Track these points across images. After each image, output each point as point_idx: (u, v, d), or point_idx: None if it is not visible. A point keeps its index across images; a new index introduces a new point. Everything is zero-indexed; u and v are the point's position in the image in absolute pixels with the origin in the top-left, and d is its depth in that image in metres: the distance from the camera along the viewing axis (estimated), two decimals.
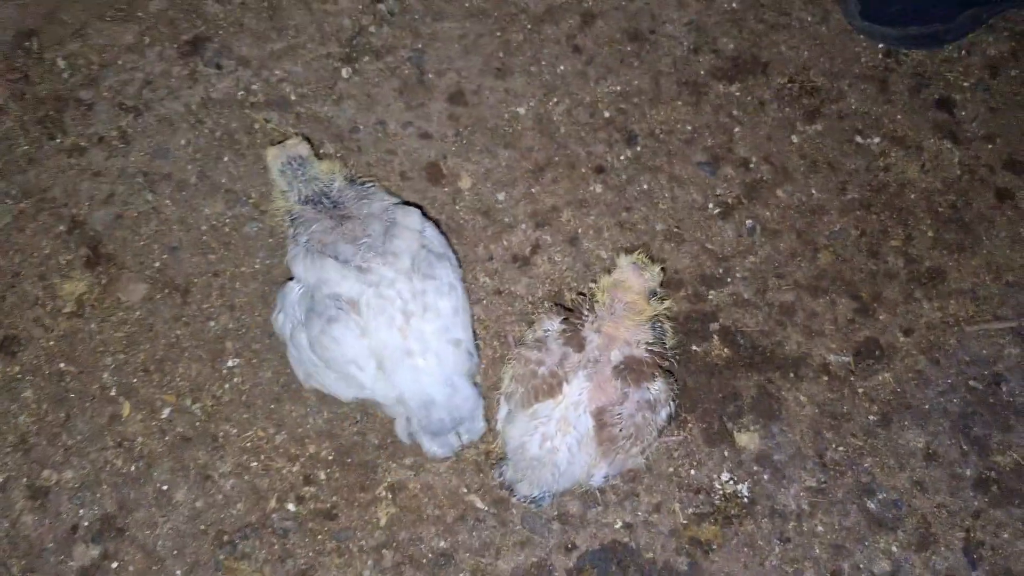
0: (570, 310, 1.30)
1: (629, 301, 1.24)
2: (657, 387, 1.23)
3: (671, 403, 1.26)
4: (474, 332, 1.36)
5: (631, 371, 1.22)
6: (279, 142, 1.36)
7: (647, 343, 1.24)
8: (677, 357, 1.34)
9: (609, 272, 1.28)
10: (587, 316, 1.27)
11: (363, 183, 1.38)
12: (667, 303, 1.28)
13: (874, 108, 1.66)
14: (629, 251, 1.31)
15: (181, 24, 1.64)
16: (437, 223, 1.52)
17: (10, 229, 1.50)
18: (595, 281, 1.39)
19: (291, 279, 1.33)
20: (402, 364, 1.25)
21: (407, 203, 1.37)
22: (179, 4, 1.66)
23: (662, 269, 1.28)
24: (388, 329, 1.25)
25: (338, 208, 1.31)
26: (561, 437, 1.22)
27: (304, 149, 1.33)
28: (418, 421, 1.28)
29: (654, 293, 1.26)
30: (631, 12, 1.71)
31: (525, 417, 1.24)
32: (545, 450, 1.23)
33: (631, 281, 1.24)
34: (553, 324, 1.28)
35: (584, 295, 1.33)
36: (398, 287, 1.26)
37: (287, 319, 1.32)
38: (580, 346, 1.24)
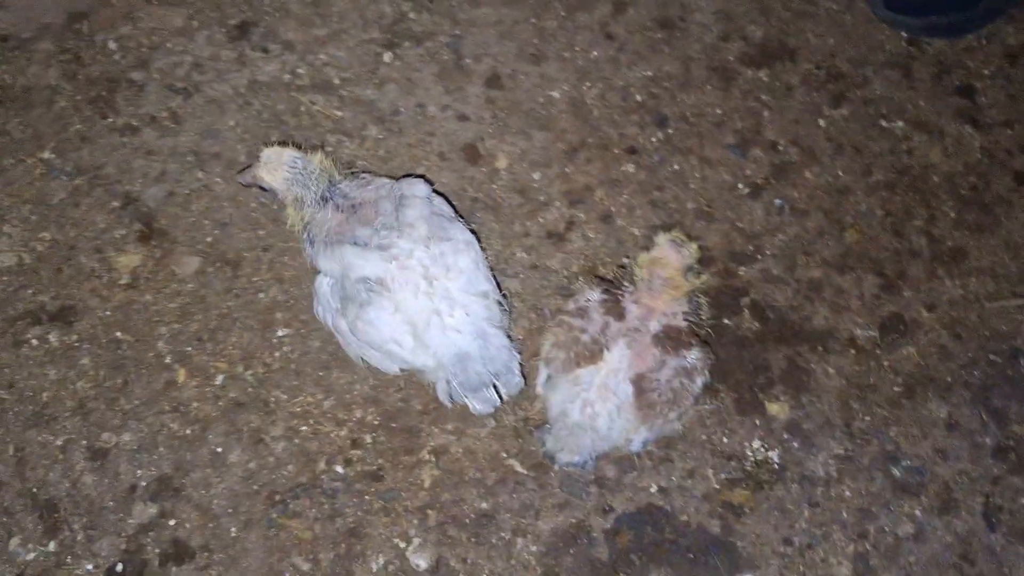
0: (610, 281, 1.36)
1: (667, 277, 1.28)
2: (694, 355, 1.28)
3: (706, 371, 1.31)
4: (498, 284, 1.42)
5: (669, 339, 1.27)
6: (245, 169, 1.37)
7: (684, 313, 1.30)
8: (710, 330, 1.39)
9: (647, 249, 1.33)
10: (627, 287, 1.32)
11: (355, 173, 1.43)
12: (703, 278, 1.33)
13: (898, 94, 1.71)
14: (667, 228, 1.36)
15: (228, 9, 1.70)
16: (475, 200, 1.59)
17: (66, 204, 1.56)
18: (629, 256, 1.45)
19: (319, 273, 1.38)
20: (433, 326, 1.31)
21: (408, 175, 1.43)
22: None
23: (698, 246, 1.33)
24: (415, 297, 1.30)
25: (347, 199, 1.36)
26: (602, 403, 1.28)
27: (292, 150, 1.35)
28: (456, 379, 1.34)
29: (691, 269, 1.31)
30: (661, 0, 1.76)
31: (567, 383, 1.30)
32: (587, 416, 1.28)
33: (669, 257, 1.29)
34: (594, 294, 1.33)
35: (624, 268, 1.38)
36: (417, 255, 1.31)
37: (325, 311, 1.38)
38: (620, 315, 1.29)
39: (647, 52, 1.72)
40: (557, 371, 1.31)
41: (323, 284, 1.37)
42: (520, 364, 1.39)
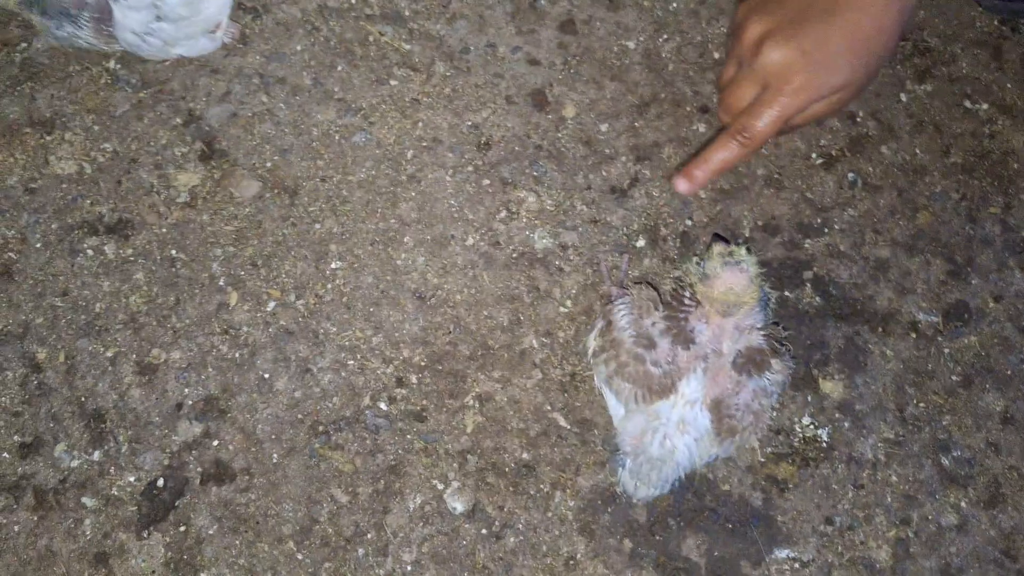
0: (670, 301, 1.29)
1: (733, 303, 1.20)
2: (775, 371, 1.23)
3: (786, 385, 1.25)
4: None
5: (753, 363, 1.21)
6: None
7: (759, 328, 1.23)
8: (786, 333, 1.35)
9: (701, 258, 1.25)
10: (690, 305, 1.25)
11: None
12: (762, 266, 1.25)
13: (985, 74, 1.64)
14: (714, 241, 1.25)
15: None
16: (539, 148, 1.55)
17: (129, 117, 1.54)
18: (684, 270, 1.41)
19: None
20: None
21: None
22: None
23: (747, 247, 1.24)
24: None
25: None
26: (680, 436, 1.24)
27: None
28: None
29: (754, 278, 1.22)
30: None
31: (642, 416, 1.25)
32: (666, 449, 1.24)
33: (729, 281, 1.20)
34: (656, 318, 1.26)
35: (683, 282, 1.31)
36: None
37: None
38: (688, 340, 1.22)
39: (729, 7, 1.65)
40: (629, 404, 1.26)
41: None
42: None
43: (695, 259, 1.28)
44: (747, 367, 1.21)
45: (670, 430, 1.23)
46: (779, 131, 1.23)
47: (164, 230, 1.48)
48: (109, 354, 1.41)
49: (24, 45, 1.59)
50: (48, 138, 1.52)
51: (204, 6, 1.48)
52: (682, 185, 1.29)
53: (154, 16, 1.45)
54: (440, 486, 1.36)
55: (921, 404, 1.42)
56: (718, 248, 1.23)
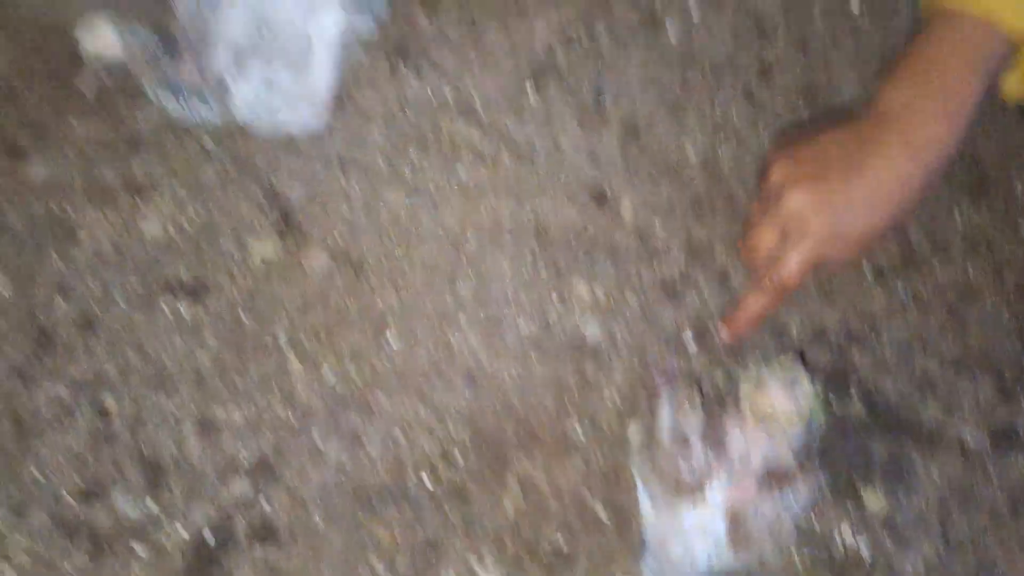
0: (710, 398, 1.33)
1: (777, 424, 1.24)
2: (798, 489, 1.25)
3: (807, 505, 1.27)
4: None
5: (775, 479, 1.23)
6: None
7: (795, 453, 1.26)
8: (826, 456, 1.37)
9: (755, 370, 1.29)
10: (727, 410, 1.28)
11: None
12: (809, 392, 1.27)
13: None
14: (779, 352, 1.32)
15: (389, 30, 1.78)
16: (594, 241, 1.61)
17: (214, 188, 1.65)
18: (738, 377, 1.44)
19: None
20: None
21: None
22: (396, 13, 1.79)
23: (811, 375, 1.27)
24: None
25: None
26: (701, 541, 1.25)
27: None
28: None
29: (804, 406, 1.25)
30: (807, 64, 1.76)
31: (667, 515, 1.27)
32: (687, 552, 1.26)
33: (777, 401, 1.23)
34: (693, 416, 1.30)
35: (729, 382, 1.34)
36: None
37: None
38: (720, 444, 1.26)
39: (786, 115, 1.72)
40: (657, 502, 1.28)
41: None
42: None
43: (752, 366, 1.31)
44: (769, 483, 1.22)
45: (692, 533, 1.24)
46: (808, 274, 1.33)
47: (236, 294, 1.57)
48: (174, 408, 1.49)
49: (128, 118, 1.72)
50: (139, 202, 1.63)
51: (311, 79, 1.60)
52: (726, 335, 1.45)
53: (264, 85, 1.57)
54: (477, 567, 1.38)
55: (965, 526, 1.40)
56: (779, 360, 1.25)
